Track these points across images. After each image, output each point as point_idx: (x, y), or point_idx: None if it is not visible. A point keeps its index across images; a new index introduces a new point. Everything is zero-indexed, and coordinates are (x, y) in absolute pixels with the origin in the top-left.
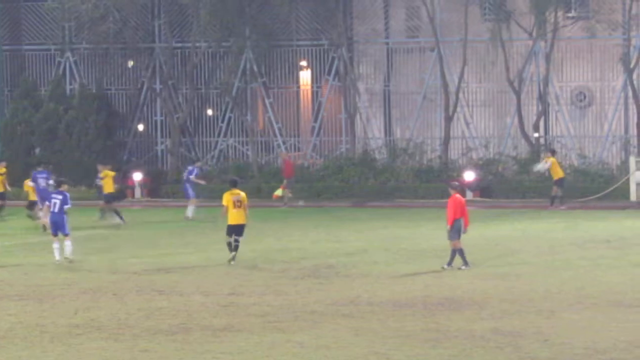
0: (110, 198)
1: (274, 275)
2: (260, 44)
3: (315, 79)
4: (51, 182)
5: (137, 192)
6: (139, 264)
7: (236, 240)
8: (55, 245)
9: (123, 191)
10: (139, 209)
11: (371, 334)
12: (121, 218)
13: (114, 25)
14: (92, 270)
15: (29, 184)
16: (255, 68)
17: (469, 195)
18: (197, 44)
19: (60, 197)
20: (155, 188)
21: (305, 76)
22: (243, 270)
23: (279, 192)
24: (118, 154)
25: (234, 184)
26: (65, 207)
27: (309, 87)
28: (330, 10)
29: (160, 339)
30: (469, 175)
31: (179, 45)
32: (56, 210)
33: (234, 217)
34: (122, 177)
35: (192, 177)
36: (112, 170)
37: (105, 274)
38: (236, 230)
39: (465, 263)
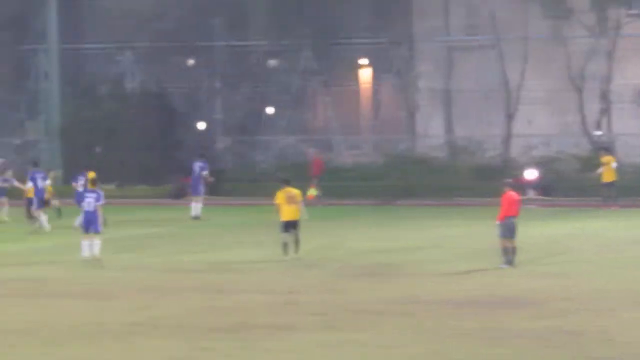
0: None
1: (332, 273)
2: (319, 42)
3: (375, 77)
4: (48, 182)
5: None
6: (198, 262)
7: (295, 234)
8: (85, 243)
9: (183, 189)
10: (201, 206)
11: (430, 333)
12: (42, 225)
13: (173, 24)
14: (150, 269)
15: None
16: (314, 66)
17: (530, 193)
18: (256, 43)
19: (94, 195)
20: (215, 186)
21: (365, 74)
22: (301, 268)
23: (312, 191)
24: (178, 152)
25: (287, 183)
26: (98, 204)
27: (369, 85)
28: (390, 8)
29: (220, 337)
30: (531, 174)
31: (238, 43)
32: (91, 208)
33: (288, 213)
34: (183, 176)
35: (204, 173)
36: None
37: (163, 272)
38: (292, 226)
39: (508, 262)
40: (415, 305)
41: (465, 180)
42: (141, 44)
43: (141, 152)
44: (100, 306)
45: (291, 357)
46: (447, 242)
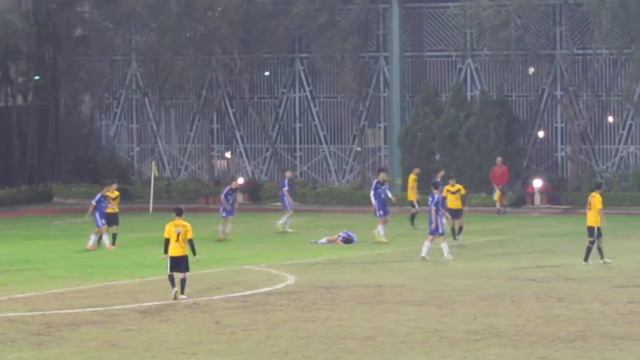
0: None
1: None
2: None
3: None
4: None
5: (537, 199)
6: (537, 271)
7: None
8: (427, 244)
9: (522, 198)
10: (538, 215)
11: None
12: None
13: (515, 31)
14: (491, 277)
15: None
16: None
17: None
18: (599, 51)
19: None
20: (555, 195)
21: None
22: None
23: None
24: (517, 160)
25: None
26: (433, 207)
27: None
28: None
29: (558, 347)
30: None
31: (580, 52)
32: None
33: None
34: (522, 184)
35: (285, 189)
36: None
37: (503, 280)
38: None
39: None
40: None
41: None
42: (482, 52)
43: (481, 160)
44: (438, 313)
45: None
46: None
